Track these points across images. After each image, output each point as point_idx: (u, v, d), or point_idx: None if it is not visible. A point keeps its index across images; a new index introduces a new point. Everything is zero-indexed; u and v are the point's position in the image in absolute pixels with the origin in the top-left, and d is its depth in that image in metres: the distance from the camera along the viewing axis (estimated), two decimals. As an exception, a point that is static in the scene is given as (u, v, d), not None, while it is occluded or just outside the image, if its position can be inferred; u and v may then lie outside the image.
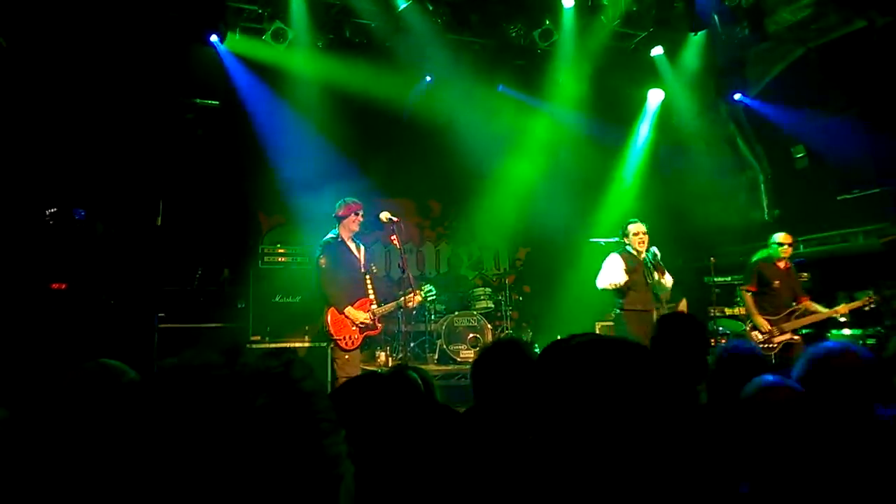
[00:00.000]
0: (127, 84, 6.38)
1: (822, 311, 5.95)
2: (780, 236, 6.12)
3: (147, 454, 0.50)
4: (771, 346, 5.86)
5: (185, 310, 6.56)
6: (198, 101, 6.85)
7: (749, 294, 6.11)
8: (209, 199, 7.08)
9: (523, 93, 8.13)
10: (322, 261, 5.26)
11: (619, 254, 5.76)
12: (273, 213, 8.03)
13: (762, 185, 8.25)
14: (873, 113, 6.90)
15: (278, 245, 7.18)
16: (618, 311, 5.74)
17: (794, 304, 6.01)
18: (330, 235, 5.37)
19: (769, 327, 5.93)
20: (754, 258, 6.27)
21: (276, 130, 7.40)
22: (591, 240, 6.44)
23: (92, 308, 5.79)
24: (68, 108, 6.09)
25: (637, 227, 5.75)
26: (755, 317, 6.00)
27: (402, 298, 5.41)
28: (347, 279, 5.28)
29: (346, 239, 5.36)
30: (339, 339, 5.16)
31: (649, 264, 5.65)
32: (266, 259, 6.99)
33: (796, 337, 5.88)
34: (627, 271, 5.59)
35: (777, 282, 5.98)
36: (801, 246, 7.38)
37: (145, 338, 5.91)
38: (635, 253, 5.70)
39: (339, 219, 5.35)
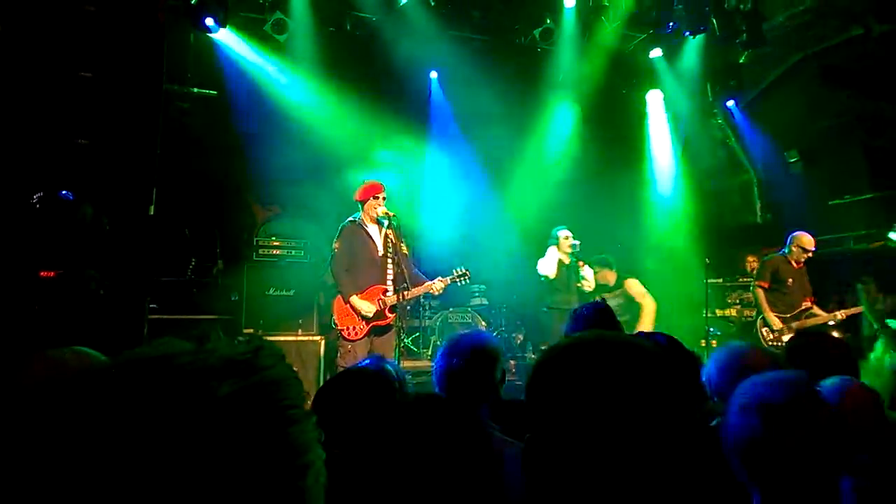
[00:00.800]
0: (122, 70, 6.27)
1: (822, 315, 5.99)
2: (807, 241, 6.00)
3: (103, 444, 0.49)
4: (779, 343, 5.82)
5: (177, 301, 6.49)
6: (195, 90, 6.75)
7: (761, 290, 6.06)
8: (204, 190, 7.00)
9: (523, 90, 8.13)
10: (336, 245, 5.06)
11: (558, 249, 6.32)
12: (268, 204, 7.95)
13: (755, 188, 8.34)
14: (867, 120, 7.00)
15: (273, 237, 7.09)
16: (544, 308, 6.23)
17: (804, 303, 6.01)
18: (350, 219, 5.18)
19: (780, 325, 5.92)
20: (770, 255, 6.27)
21: (273, 122, 7.34)
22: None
23: (81, 297, 5.70)
24: (60, 93, 5.97)
25: (566, 233, 6.29)
26: (767, 313, 5.98)
27: (402, 296, 4.99)
28: (360, 265, 5.04)
29: (366, 222, 5.12)
30: (343, 330, 4.97)
31: (574, 264, 6.25)
32: (261, 251, 6.90)
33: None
34: (559, 266, 6.19)
35: (791, 280, 5.97)
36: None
37: (135, 328, 5.81)
38: (561, 256, 6.25)
39: (359, 203, 5.16)
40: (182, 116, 6.78)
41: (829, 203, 7.40)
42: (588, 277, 6.31)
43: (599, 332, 1.04)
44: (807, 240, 5.99)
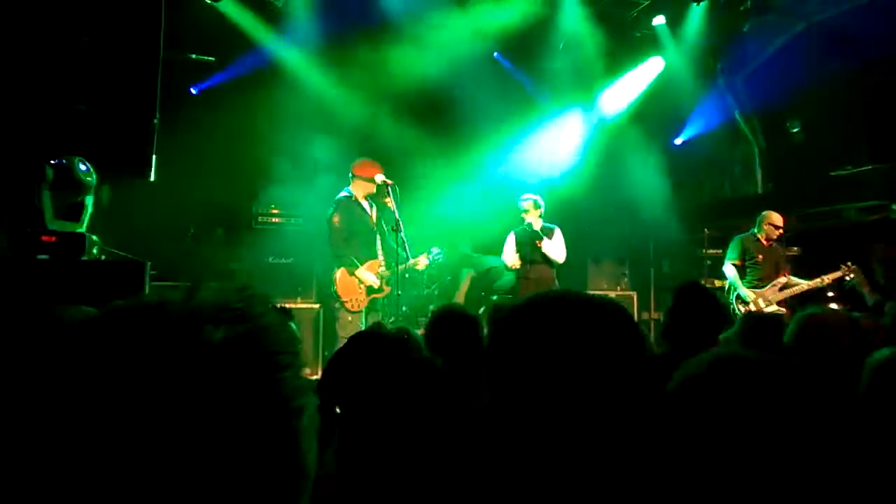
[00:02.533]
0: (120, 35, 6.22)
1: (803, 283, 6.12)
2: (777, 218, 6.26)
3: (97, 390, 0.50)
4: None
5: (176, 268, 6.51)
6: (193, 56, 6.70)
7: (732, 267, 6.32)
8: (203, 157, 6.98)
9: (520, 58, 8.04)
10: (335, 218, 5.14)
11: (515, 231, 6.18)
12: (267, 173, 7.93)
13: (757, 159, 8.29)
14: (870, 91, 6.93)
15: (272, 205, 7.10)
16: (514, 278, 6.25)
17: (778, 277, 6.18)
18: (343, 193, 5.25)
19: (754, 296, 6.09)
20: (738, 235, 6.48)
21: (270, 88, 7.28)
22: None
23: (81, 263, 5.73)
24: (58, 58, 5.93)
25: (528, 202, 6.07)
26: (741, 288, 6.18)
27: (405, 264, 5.21)
28: (357, 238, 5.17)
29: (359, 198, 5.24)
30: (347, 301, 5.09)
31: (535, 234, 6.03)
32: (260, 219, 6.93)
33: (783, 309, 5.99)
34: (519, 246, 6.10)
35: (760, 255, 6.21)
36: (795, 220, 7.45)
37: (136, 294, 5.85)
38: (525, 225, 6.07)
39: (355, 177, 5.22)
40: (180, 82, 6.73)
41: (831, 174, 7.35)
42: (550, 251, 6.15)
43: (561, 290, 1.07)
44: (777, 217, 6.29)
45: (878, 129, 6.84)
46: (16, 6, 5.66)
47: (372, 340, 2.16)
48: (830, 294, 6.76)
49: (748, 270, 6.28)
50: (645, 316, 8.09)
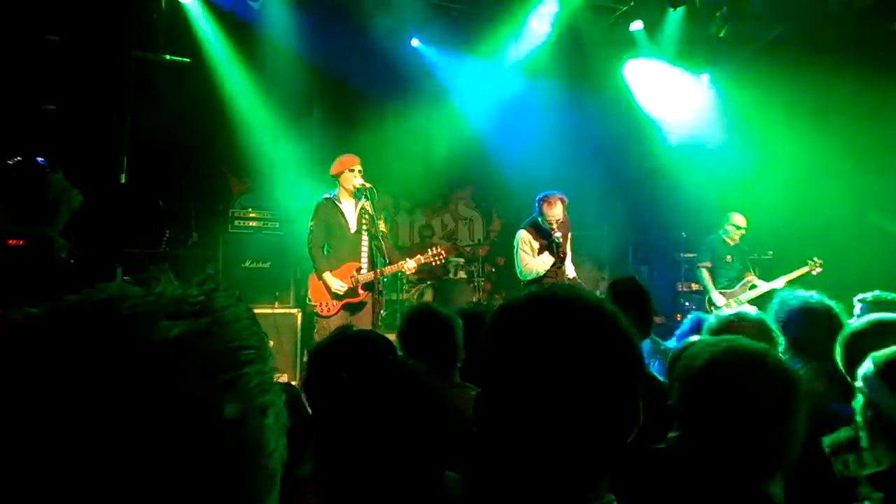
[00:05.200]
0: (89, 34, 6.09)
1: (764, 284, 6.29)
2: (739, 219, 6.51)
3: (40, 394, 0.46)
4: None
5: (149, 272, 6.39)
6: (167, 56, 6.58)
7: (705, 270, 6.50)
8: (178, 160, 6.86)
9: (498, 61, 8.04)
10: (311, 222, 5.06)
11: (526, 229, 5.38)
12: (244, 176, 7.83)
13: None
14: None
15: (249, 209, 7.00)
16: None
17: (746, 276, 6.40)
18: (325, 195, 5.16)
19: (724, 300, 6.25)
20: (707, 238, 6.71)
21: (246, 92, 7.20)
22: None
23: (51, 267, 5.58)
24: (26, 57, 5.79)
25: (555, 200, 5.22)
26: (712, 292, 6.38)
27: (380, 270, 4.99)
28: (334, 242, 5.06)
29: (342, 198, 5.10)
30: (317, 306, 5.03)
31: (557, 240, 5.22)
32: (236, 223, 6.82)
33: (753, 308, 6.08)
34: (539, 251, 5.29)
35: (729, 256, 6.44)
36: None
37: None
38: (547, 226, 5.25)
39: (334, 178, 5.13)
40: (154, 82, 6.61)
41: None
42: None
43: (552, 287, 1.04)
44: (739, 218, 6.51)
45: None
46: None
47: (336, 344, 2.15)
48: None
49: (719, 272, 6.45)
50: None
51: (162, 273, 0.58)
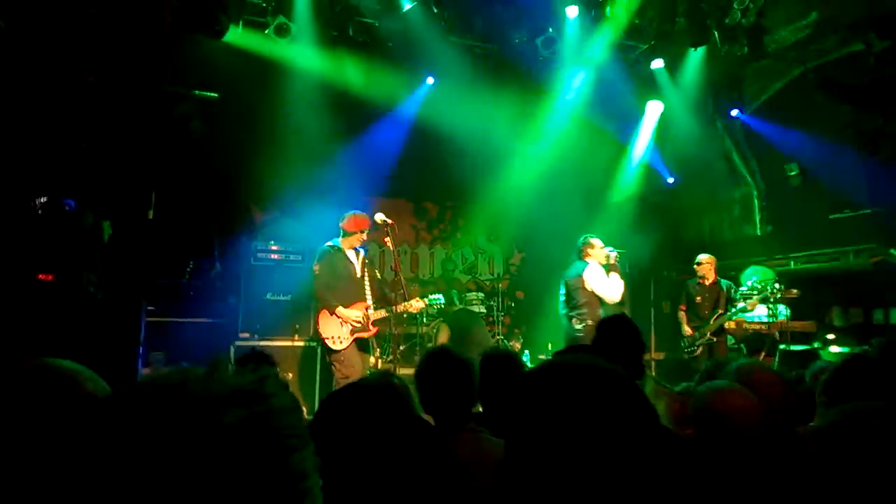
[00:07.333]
0: (122, 72, 6.27)
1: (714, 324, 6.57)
2: (700, 258, 6.81)
3: (118, 468, 0.52)
4: (695, 353, 6.62)
5: (174, 304, 6.48)
6: (196, 92, 6.75)
7: (682, 312, 6.89)
8: (203, 193, 6.99)
9: (523, 99, 8.13)
10: (316, 268, 5.33)
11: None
12: (268, 209, 7.95)
13: (755, 201, 8.33)
14: (867, 135, 7.00)
15: (272, 242, 7.09)
16: (588, 322, 6.04)
17: (718, 312, 6.64)
18: (329, 244, 5.39)
19: (690, 332, 6.68)
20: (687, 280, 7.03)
21: (274, 126, 7.35)
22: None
23: (79, 300, 5.68)
24: (62, 96, 5.97)
25: (599, 243, 6.21)
26: (683, 328, 6.80)
27: (395, 306, 5.36)
28: (341, 284, 5.30)
29: (345, 248, 5.39)
30: (327, 339, 5.18)
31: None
32: (259, 255, 6.91)
33: (715, 338, 6.56)
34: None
35: (699, 297, 6.74)
36: (793, 262, 7.47)
37: (132, 332, 5.80)
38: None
39: (344, 232, 5.35)
40: (182, 118, 6.77)
41: (830, 217, 7.38)
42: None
43: (591, 358, 1.05)
44: (701, 257, 6.84)
45: (878, 172, 6.89)
46: (22, 44, 5.71)
47: (354, 394, 2.15)
48: (831, 336, 6.81)
49: (689, 313, 6.83)
50: (645, 357, 8.04)
51: (222, 361, 0.65)
